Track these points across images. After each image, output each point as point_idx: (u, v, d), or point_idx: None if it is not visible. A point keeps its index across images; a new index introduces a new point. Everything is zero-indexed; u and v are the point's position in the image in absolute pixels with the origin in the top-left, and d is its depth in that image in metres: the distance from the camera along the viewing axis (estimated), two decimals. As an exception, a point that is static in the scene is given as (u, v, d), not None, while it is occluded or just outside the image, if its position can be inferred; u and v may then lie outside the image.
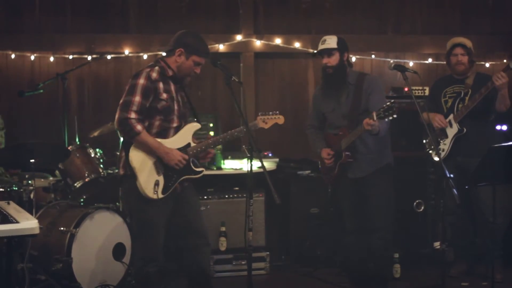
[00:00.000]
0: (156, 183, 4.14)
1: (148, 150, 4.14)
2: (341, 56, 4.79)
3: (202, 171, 4.35)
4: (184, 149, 4.25)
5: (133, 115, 4.07)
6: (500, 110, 5.32)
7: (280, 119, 4.48)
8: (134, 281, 5.00)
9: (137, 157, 4.14)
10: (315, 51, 4.89)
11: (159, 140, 4.17)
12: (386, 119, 4.36)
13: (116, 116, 4.12)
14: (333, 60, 4.77)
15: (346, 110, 4.78)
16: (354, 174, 4.82)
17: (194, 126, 4.33)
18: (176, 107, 4.24)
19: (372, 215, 4.80)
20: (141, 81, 4.11)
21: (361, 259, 4.99)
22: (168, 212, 4.23)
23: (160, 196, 4.15)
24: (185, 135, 4.29)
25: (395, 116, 4.31)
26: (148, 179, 4.13)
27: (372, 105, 4.63)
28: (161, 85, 4.17)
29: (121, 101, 4.12)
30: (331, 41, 4.78)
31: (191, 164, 4.28)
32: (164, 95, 4.17)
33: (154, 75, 4.16)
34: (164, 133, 4.22)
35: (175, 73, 4.24)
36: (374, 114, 4.36)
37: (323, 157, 4.88)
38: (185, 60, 4.21)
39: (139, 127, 4.08)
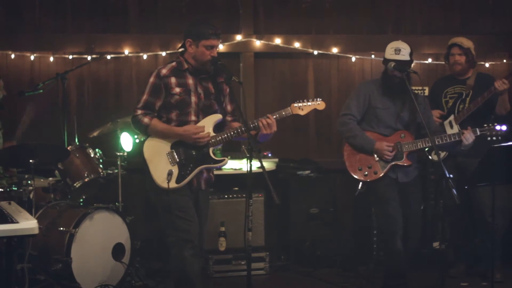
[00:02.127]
0: (169, 173, 4.16)
1: (163, 137, 4.22)
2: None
3: (224, 160, 4.29)
4: None
5: (138, 112, 4.26)
6: (500, 114, 5.34)
7: (320, 105, 4.34)
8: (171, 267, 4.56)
9: (149, 148, 4.24)
10: (389, 59, 4.82)
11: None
12: (489, 138, 4.69)
13: None
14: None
15: (404, 115, 4.87)
16: (402, 178, 4.90)
17: (215, 116, 4.31)
18: (193, 99, 4.26)
19: (414, 223, 4.94)
20: (151, 79, 4.29)
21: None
22: (192, 199, 4.23)
23: (173, 185, 4.16)
24: (204, 125, 4.25)
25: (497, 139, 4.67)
26: (161, 169, 4.18)
27: (432, 121, 5.00)
28: (172, 79, 4.25)
29: None
30: (406, 52, 4.82)
31: (211, 153, 4.25)
32: (177, 89, 4.24)
33: (164, 71, 4.27)
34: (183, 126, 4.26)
35: (192, 65, 4.28)
36: (478, 130, 4.71)
37: (383, 150, 4.80)
38: (196, 48, 4.24)
39: (145, 119, 4.23)
